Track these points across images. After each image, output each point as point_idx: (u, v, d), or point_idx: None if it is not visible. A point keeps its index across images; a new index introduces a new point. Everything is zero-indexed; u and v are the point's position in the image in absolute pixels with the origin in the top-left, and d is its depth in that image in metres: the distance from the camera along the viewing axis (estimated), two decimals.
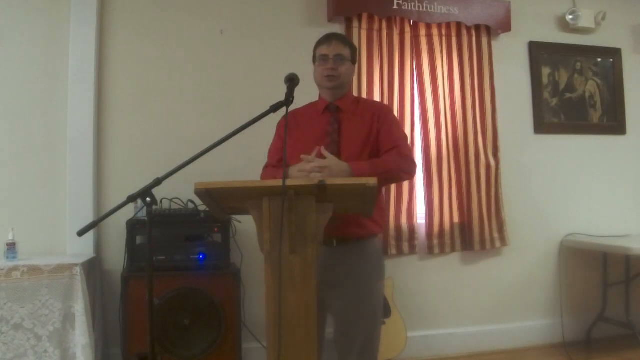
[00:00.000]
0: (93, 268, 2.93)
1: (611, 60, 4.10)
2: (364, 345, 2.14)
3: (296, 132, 2.25)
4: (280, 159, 2.27)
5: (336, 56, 2.17)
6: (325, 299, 2.09)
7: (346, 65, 2.20)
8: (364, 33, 3.47)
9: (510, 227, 3.75)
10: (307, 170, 1.95)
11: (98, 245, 3.13)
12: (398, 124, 2.31)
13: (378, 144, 2.18)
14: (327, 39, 2.21)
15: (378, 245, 2.24)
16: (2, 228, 2.86)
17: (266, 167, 2.35)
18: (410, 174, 2.23)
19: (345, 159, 2.10)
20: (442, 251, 3.62)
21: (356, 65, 2.38)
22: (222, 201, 1.85)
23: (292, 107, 1.91)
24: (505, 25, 3.78)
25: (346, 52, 2.20)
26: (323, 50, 2.19)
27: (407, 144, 2.25)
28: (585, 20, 3.94)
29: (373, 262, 2.19)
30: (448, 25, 3.66)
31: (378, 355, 2.20)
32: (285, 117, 1.86)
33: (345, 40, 2.24)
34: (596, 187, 4.00)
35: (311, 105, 2.32)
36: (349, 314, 2.15)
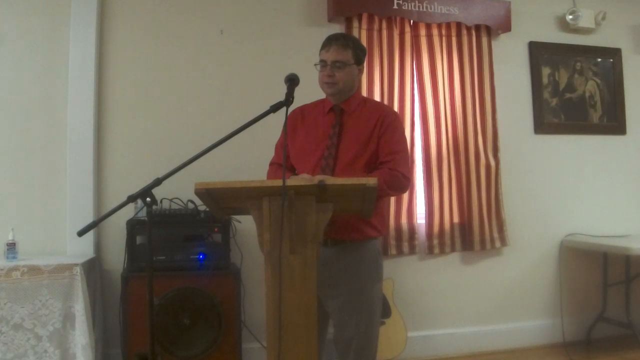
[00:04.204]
0: (93, 268, 2.93)
1: (611, 60, 4.10)
2: (359, 346, 2.14)
3: (302, 130, 2.26)
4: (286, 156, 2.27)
5: (334, 62, 2.14)
6: (322, 298, 2.09)
7: (346, 70, 2.15)
8: (364, 33, 3.47)
9: (510, 227, 3.74)
10: None
11: (98, 245, 3.13)
12: (401, 132, 2.24)
13: (378, 148, 2.15)
14: (328, 42, 2.17)
15: (375, 247, 2.22)
16: (2, 228, 2.87)
17: (272, 163, 2.37)
18: (398, 191, 2.20)
19: (343, 163, 2.11)
20: (442, 251, 3.62)
21: (365, 64, 2.34)
22: (222, 201, 1.85)
23: (292, 106, 1.91)
24: (505, 25, 3.78)
25: (346, 56, 2.15)
26: (322, 54, 2.18)
27: (405, 155, 2.19)
28: (585, 20, 3.94)
29: (369, 262, 2.18)
30: (448, 25, 3.66)
31: (376, 355, 2.20)
32: (285, 117, 1.86)
33: (346, 42, 2.17)
34: (596, 187, 3.99)
35: (318, 104, 2.31)
36: (343, 314, 2.15)
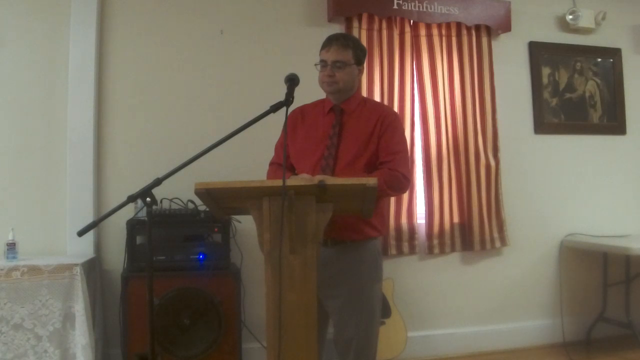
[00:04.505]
0: (93, 268, 2.93)
1: (611, 60, 4.10)
2: (359, 346, 2.14)
3: (302, 130, 2.26)
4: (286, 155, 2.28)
5: (334, 62, 2.14)
6: (322, 298, 2.08)
7: (346, 70, 2.15)
8: (364, 33, 3.47)
9: (510, 227, 3.74)
10: None
11: (98, 245, 3.13)
12: (401, 132, 2.25)
13: (378, 149, 2.16)
14: (328, 42, 2.18)
15: (375, 247, 2.22)
16: (2, 228, 2.87)
17: (272, 163, 2.37)
18: (398, 191, 2.21)
19: (343, 163, 2.12)
20: (442, 251, 3.62)
21: (365, 64, 2.35)
22: (222, 201, 1.85)
23: (292, 106, 1.91)
24: (505, 25, 3.78)
25: (347, 55, 2.15)
26: (323, 54, 2.18)
27: (405, 156, 2.20)
28: (585, 20, 3.93)
29: (368, 263, 2.18)
30: (448, 25, 3.66)
31: (376, 355, 2.20)
32: (285, 117, 1.86)
33: (346, 42, 2.18)
34: (596, 187, 3.99)
35: (318, 104, 2.32)
36: (343, 314, 2.15)
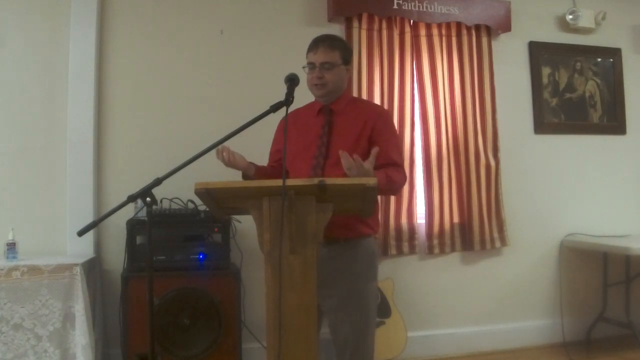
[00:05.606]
0: (93, 268, 2.93)
1: (611, 60, 4.10)
2: (355, 346, 2.13)
3: (293, 132, 2.26)
4: (276, 159, 2.32)
5: (322, 64, 2.15)
6: (318, 297, 2.07)
7: (334, 71, 2.17)
8: (364, 33, 3.47)
9: (510, 227, 3.74)
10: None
11: (98, 245, 3.13)
12: (395, 133, 2.29)
13: (370, 147, 2.14)
14: (314, 45, 2.20)
15: (370, 246, 2.22)
16: (2, 228, 2.86)
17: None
18: (398, 192, 2.31)
19: (333, 161, 2.12)
20: (442, 251, 3.62)
21: (353, 63, 2.39)
22: (222, 201, 1.85)
23: (292, 107, 1.91)
24: (505, 25, 3.78)
25: (334, 56, 2.17)
26: (310, 57, 2.20)
27: (402, 156, 2.28)
28: (585, 20, 3.94)
29: (363, 261, 2.18)
30: (448, 25, 3.66)
31: (373, 354, 2.20)
32: (285, 117, 1.86)
33: (333, 43, 2.20)
34: (596, 187, 3.99)
35: (309, 106, 2.33)
36: (339, 314, 2.15)
